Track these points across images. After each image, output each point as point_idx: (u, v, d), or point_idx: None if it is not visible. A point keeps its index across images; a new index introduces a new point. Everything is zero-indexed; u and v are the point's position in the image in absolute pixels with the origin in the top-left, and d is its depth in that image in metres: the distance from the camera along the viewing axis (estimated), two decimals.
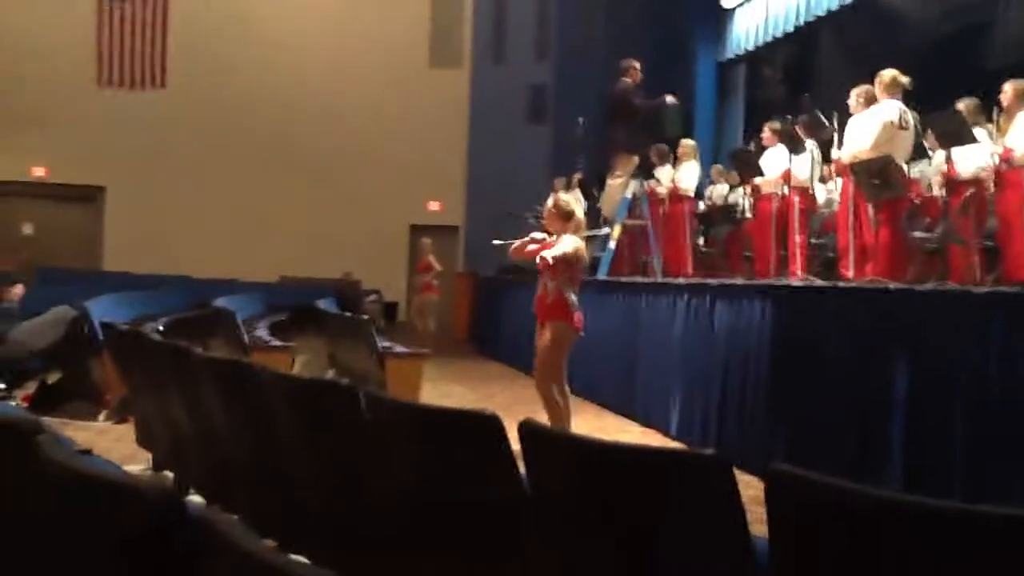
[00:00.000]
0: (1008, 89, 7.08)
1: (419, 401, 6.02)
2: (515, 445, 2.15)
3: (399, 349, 7.51)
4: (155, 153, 17.41)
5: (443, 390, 9.59)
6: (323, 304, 10.21)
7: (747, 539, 1.74)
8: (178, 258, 16.41)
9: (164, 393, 4.07)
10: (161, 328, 6.27)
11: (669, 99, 9.60)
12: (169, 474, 4.47)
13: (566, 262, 5.68)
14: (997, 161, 7.01)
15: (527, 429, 2.08)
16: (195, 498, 3.72)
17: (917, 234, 7.45)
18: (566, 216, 5.91)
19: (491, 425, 2.09)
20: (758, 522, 1.74)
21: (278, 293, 14.23)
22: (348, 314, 9.33)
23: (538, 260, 5.79)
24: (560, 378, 5.91)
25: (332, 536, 2.81)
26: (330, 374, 6.98)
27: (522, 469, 2.14)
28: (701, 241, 10.85)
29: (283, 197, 17.86)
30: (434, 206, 18.89)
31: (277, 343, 7.65)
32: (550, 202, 6.13)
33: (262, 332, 8.54)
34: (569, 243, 5.76)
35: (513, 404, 8.51)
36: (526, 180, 15.91)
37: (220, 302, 9.33)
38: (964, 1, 13.71)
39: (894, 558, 1.51)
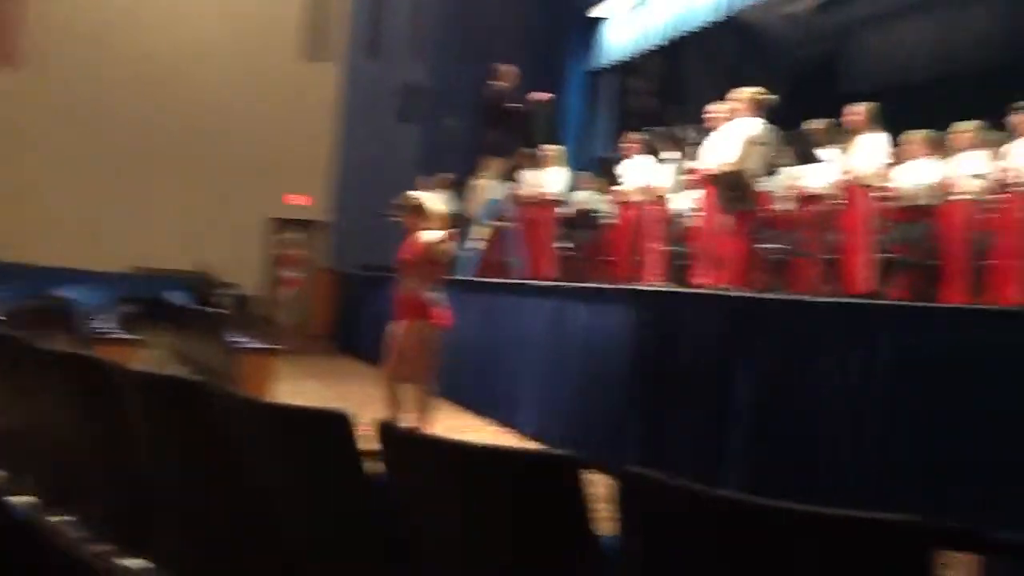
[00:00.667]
0: (857, 112, 7.49)
1: (270, 398, 5.87)
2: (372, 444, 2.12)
3: (253, 344, 7.29)
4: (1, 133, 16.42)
5: (298, 387, 9.39)
6: (175, 296, 9.83)
7: (596, 538, 1.76)
8: (23, 245, 15.51)
9: None
10: None
11: (537, 95, 9.69)
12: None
13: (430, 258, 5.64)
14: (843, 179, 7.40)
15: (383, 428, 2.05)
16: (27, 500, 3.51)
17: (767, 245, 7.78)
18: (423, 213, 5.87)
19: (340, 423, 2.04)
20: (610, 520, 1.77)
21: (130, 284, 13.62)
22: (201, 307, 9.02)
23: (401, 257, 5.73)
24: (429, 377, 5.84)
25: (179, 537, 2.69)
26: (180, 370, 6.72)
27: (378, 469, 2.11)
28: (564, 245, 11.01)
29: (140, 184, 17.12)
30: (299, 200, 18.52)
31: (123, 336, 7.30)
32: (406, 199, 6.06)
33: (109, 324, 8.14)
34: (426, 237, 5.73)
35: (369, 402, 8.41)
36: (397, 178, 15.75)
37: (64, 292, 8.85)
38: (823, 27, 14.43)
39: (739, 558, 1.55)
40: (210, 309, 6.81)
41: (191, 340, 6.74)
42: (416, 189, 12.60)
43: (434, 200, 6.19)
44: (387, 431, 2.07)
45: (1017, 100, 7.10)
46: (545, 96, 9.70)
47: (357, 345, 13.06)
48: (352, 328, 13.83)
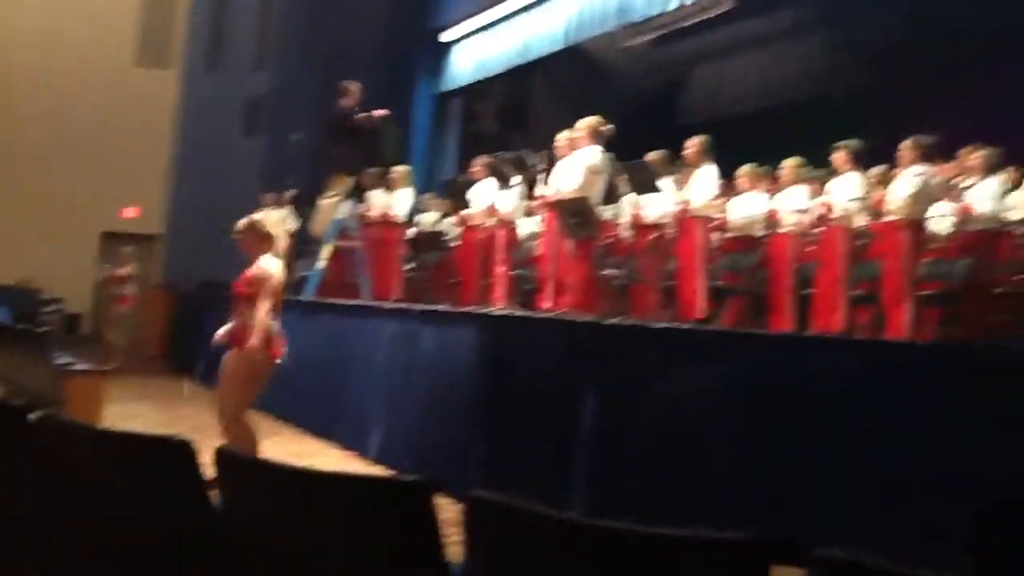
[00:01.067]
0: (691, 145, 7.85)
1: (100, 423, 5.58)
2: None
3: (80, 366, 6.90)
4: None
5: (131, 411, 8.96)
6: None
7: (445, 563, 1.77)
8: None
9: None
10: None
11: (380, 113, 9.64)
12: None
13: (263, 286, 5.39)
14: (678, 209, 7.74)
15: (222, 455, 1.99)
16: None
17: (608, 271, 8.02)
18: (263, 237, 5.60)
19: (181, 451, 1.97)
20: (455, 544, 1.78)
21: None
22: (22, 326, 8.48)
23: (234, 288, 5.49)
24: (243, 409, 5.58)
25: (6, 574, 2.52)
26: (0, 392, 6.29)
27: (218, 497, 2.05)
28: (410, 267, 10.99)
29: None
30: (131, 213, 17.74)
31: None
32: (244, 223, 5.60)
33: None
34: (269, 264, 5.48)
35: (207, 426, 8.11)
36: (237, 193, 15.35)
37: None
38: (662, 61, 15.05)
39: None
40: (34, 328, 6.41)
41: (13, 361, 6.32)
42: (260, 205, 12.34)
43: (274, 221, 5.91)
44: (225, 459, 2.01)
45: (841, 132, 7.62)
46: (383, 112, 9.65)
47: (193, 366, 12.57)
48: (188, 348, 13.30)
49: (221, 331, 5.59)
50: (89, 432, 2.34)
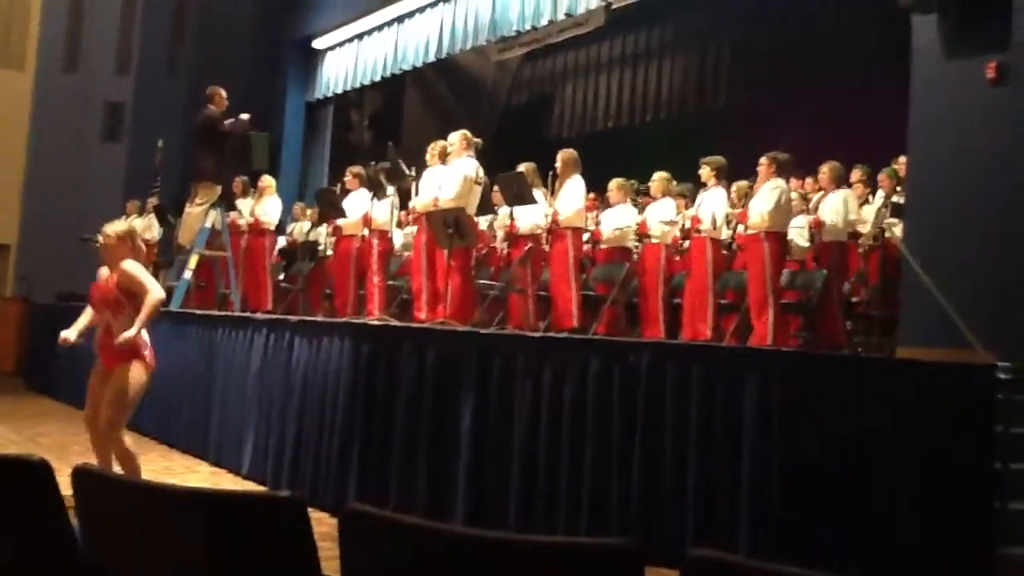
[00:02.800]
0: (560, 158, 7.99)
1: None
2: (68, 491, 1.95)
3: None
4: None
5: None
6: None
7: None
8: None
9: None
10: None
11: (244, 116, 9.43)
12: None
13: (132, 293, 5.17)
14: (549, 220, 7.85)
15: (80, 475, 1.90)
16: None
17: (483, 281, 8.06)
18: (135, 247, 5.35)
19: (38, 471, 1.87)
20: (330, 559, 1.75)
21: None
22: None
23: (96, 295, 5.23)
24: (123, 425, 5.33)
25: None
26: None
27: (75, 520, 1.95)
28: (281, 277, 10.78)
29: None
30: None
31: None
32: (122, 228, 5.32)
33: None
34: (134, 269, 5.24)
35: (67, 445, 7.74)
36: (97, 201, 14.73)
37: None
38: (531, 78, 15.28)
39: None
40: None
41: None
42: (124, 213, 11.86)
43: (126, 226, 5.55)
44: (84, 478, 1.92)
45: (701, 150, 7.90)
46: (247, 116, 9.43)
47: (50, 383, 11.96)
48: (44, 364, 12.64)
49: (71, 332, 5.30)
50: None
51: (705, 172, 7.70)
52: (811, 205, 7.78)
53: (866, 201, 7.94)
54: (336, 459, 6.05)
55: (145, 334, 5.18)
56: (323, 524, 2.01)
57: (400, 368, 5.76)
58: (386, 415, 5.78)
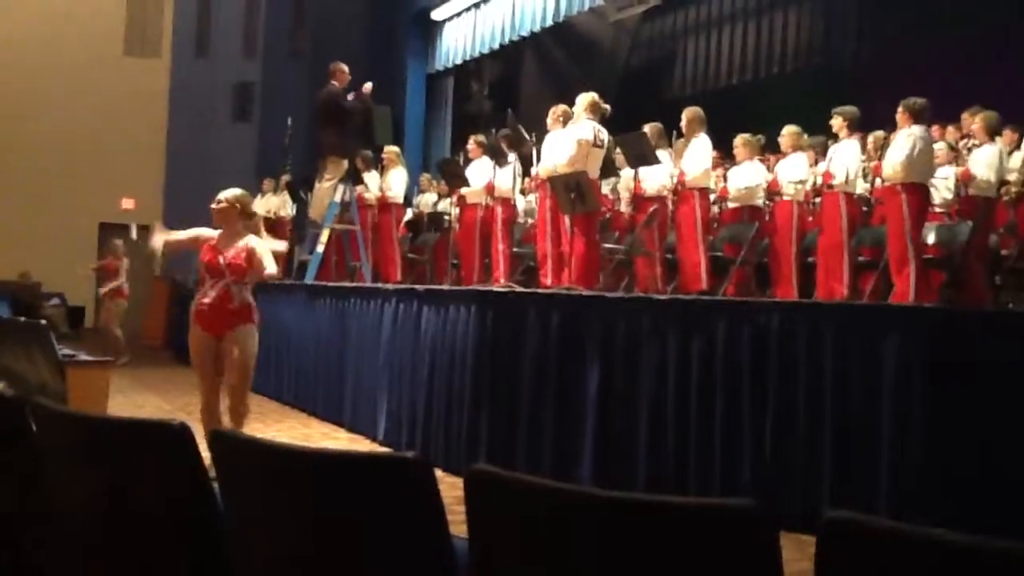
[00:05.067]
0: (685, 116, 7.79)
1: (105, 414, 5.56)
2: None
3: (83, 357, 6.90)
4: None
5: (135, 401, 8.98)
6: None
7: (447, 540, 1.75)
8: None
9: None
10: None
11: (367, 87, 9.59)
12: None
13: (259, 263, 5.37)
14: (675, 181, 7.69)
15: (218, 438, 1.96)
16: None
17: (608, 245, 7.98)
18: (249, 214, 5.57)
19: (180, 436, 1.95)
20: (462, 522, 1.76)
21: None
22: (23, 319, 8.46)
23: (225, 262, 5.38)
24: (247, 386, 5.59)
25: (9, 571, 2.51)
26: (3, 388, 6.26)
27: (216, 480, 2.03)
28: (409, 248, 10.96)
29: None
30: (128, 204, 17.69)
31: None
32: (229, 195, 5.53)
33: None
34: (264, 244, 5.47)
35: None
36: (230, 179, 15.24)
37: None
38: (649, 38, 14.98)
39: (587, 550, 1.58)
40: (36, 321, 6.38)
41: (15, 354, 6.31)
42: (260, 191, 12.27)
43: (244, 194, 5.76)
44: (221, 440, 1.98)
45: (833, 102, 7.56)
46: (369, 87, 9.58)
47: None
48: (187, 338, 13.28)
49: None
50: (84, 420, 2.31)
51: (837, 123, 7.37)
52: (962, 156, 7.35)
53: (1017, 147, 7.46)
54: (466, 425, 6.14)
55: (251, 297, 5.42)
56: (456, 488, 2.05)
57: (526, 334, 5.78)
58: (512, 380, 5.82)
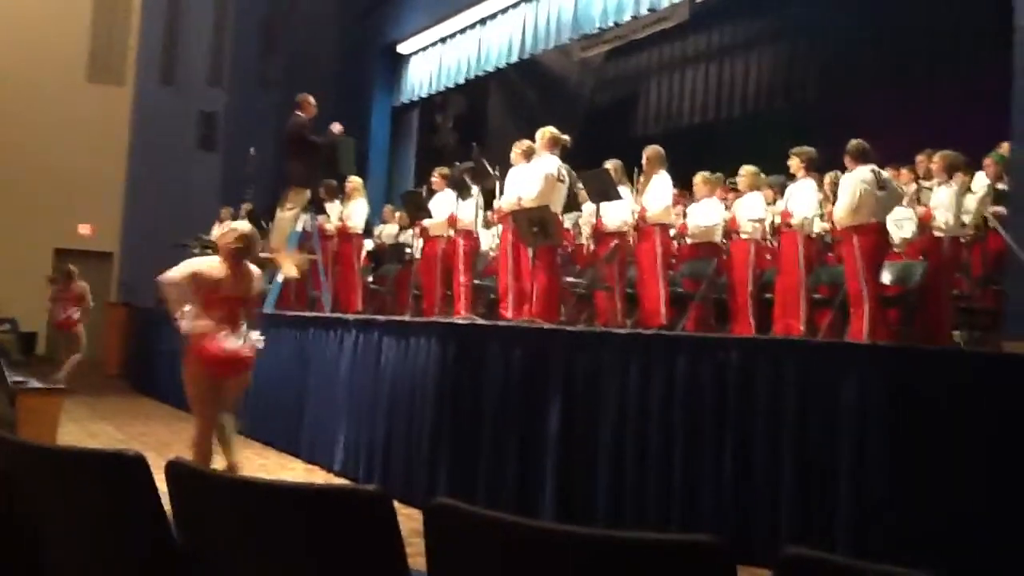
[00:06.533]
0: (646, 154, 7.89)
1: (55, 442, 5.46)
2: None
3: (34, 384, 6.76)
4: None
5: (89, 429, 8.82)
6: None
7: (405, 573, 1.74)
8: None
9: None
10: None
11: (336, 127, 9.60)
12: None
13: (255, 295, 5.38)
14: (636, 217, 7.77)
15: (175, 470, 1.93)
16: None
17: (569, 279, 8.02)
18: (254, 248, 5.48)
19: (135, 466, 1.92)
20: (421, 555, 1.75)
21: None
22: None
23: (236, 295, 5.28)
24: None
25: None
26: None
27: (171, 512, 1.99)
28: (371, 278, 10.93)
29: None
30: (85, 230, 17.46)
31: None
32: (247, 231, 5.39)
33: None
34: (260, 278, 5.46)
35: (172, 442, 8.00)
36: (192, 208, 15.22)
37: None
38: (615, 75, 15.18)
39: None
40: None
41: None
42: (217, 219, 12.19)
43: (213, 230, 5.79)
44: (179, 473, 1.95)
45: (793, 143, 7.69)
46: (340, 128, 9.60)
47: (152, 384, 12.38)
48: (146, 366, 13.10)
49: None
50: (35, 449, 2.27)
51: (794, 163, 7.50)
52: (914, 196, 7.49)
53: (969, 189, 7.62)
54: (426, 457, 6.10)
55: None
56: (414, 521, 2.03)
57: (487, 366, 5.77)
58: (474, 413, 5.80)
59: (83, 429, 8.68)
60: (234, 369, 5.25)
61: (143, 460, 1.95)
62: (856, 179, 6.61)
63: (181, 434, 8.28)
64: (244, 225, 5.58)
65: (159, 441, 8.30)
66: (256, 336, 5.26)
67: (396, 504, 1.79)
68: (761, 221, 7.78)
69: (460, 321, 7.41)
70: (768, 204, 8.05)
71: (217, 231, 11.68)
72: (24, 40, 16.60)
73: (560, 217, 7.69)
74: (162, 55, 17.93)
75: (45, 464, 2.20)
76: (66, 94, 16.96)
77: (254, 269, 5.34)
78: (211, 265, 5.33)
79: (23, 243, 16.34)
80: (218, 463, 5.35)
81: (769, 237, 7.87)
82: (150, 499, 1.96)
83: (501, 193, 8.24)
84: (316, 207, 10.04)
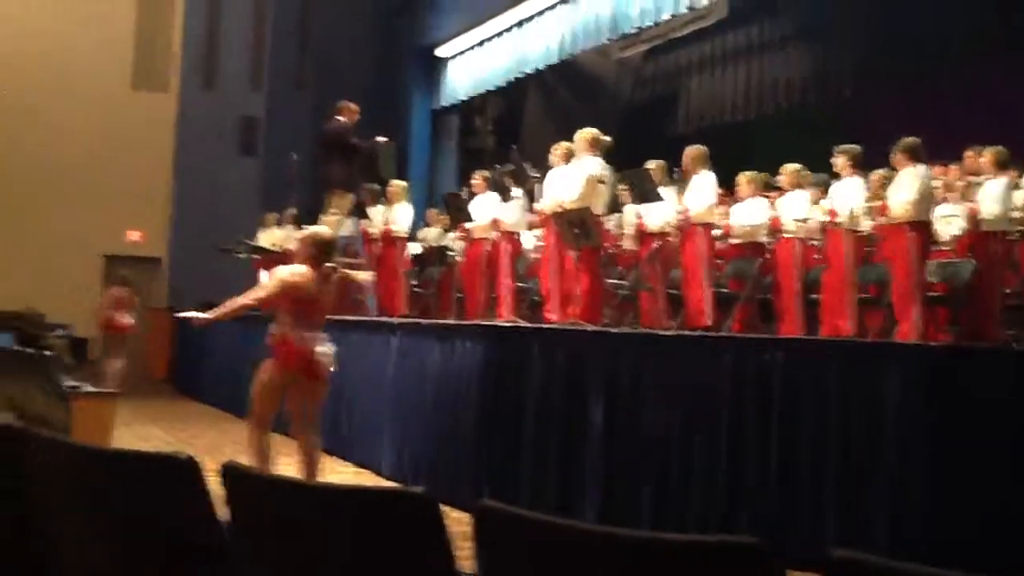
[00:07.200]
0: (689, 153, 7.85)
1: (109, 445, 5.56)
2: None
3: (87, 389, 6.90)
4: None
5: (139, 433, 8.98)
6: None
7: (454, 574, 1.76)
8: None
9: None
10: None
11: (381, 139, 9.69)
12: None
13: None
14: (678, 218, 7.73)
15: (230, 472, 1.98)
16: None
17: (612, 281, 8.00)
18: (334, 253, 5.47)
19: (186, 469, 1.96)
20: (468, 558, 1.77)
21: None
22: (27, 350, 8.47)
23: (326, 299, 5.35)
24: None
25: None
26: (5, 416, 6.25)
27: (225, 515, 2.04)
28: (414, 282, 10.98)
29: None
30: (134, 236, 17.76)
31: None
32: (313, 232, 5.51)
33: None
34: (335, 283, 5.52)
35: (221, 445, 8.12)
36: (235, 212, 15.41)
37: None
38: (653, 74, 15.11)
39: None
40: (40, 352, 6.39)
41: (19, 386, 6.32)
42: (260, 224, 12.33)
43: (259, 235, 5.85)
44: (233, 475, 1.99)
45: (832, 141, 7.60)
46: (384, 138, 9.71)
47: (198, 387, 12.58)
48: (192, 370, 13.31)
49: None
50: (89, 452, 2.32)
51: (840, 161, 7.40)
52: (965, 192, 7.36)
53: (1017, 186, 7.48)
54: (471, 459, 6.13)
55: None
56: (460, 523, 2.05)
57: (531, 369, 5.78)
58: (519, 415, 5.81)
59: (133, 433, 8.83)
60: (311, 371, 5.27)
61: (195, 463, 1.99)
62: (921, 174, 6.58)
63: (230, 436, 8.41)
64: (323, 229, 5.64)
65: (208, 444, 8.42)
66: (330, 346, 5.32)
67: (445, 507, 1.81)
68: (806, 220, 7.70)
69: (503, 324, 7.44)
70: (813, 203, 7.96)
71: (263, 237, 11.82)
72: (69, 50, 16.92)
73: (602, 218, 7.67)
74: (203, 60, 18.17)
75: (98, 467, 2.26)
76: (112, 102, 17.26)
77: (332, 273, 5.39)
78: (299, 272, 5.34)
79: (73, 250, 16.65)
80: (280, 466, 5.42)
81: (818, 236, 7.77)
82: (202, 501, 2.00)
83: (541, 195, 8.25)
84: (359, 211, 10.13)
